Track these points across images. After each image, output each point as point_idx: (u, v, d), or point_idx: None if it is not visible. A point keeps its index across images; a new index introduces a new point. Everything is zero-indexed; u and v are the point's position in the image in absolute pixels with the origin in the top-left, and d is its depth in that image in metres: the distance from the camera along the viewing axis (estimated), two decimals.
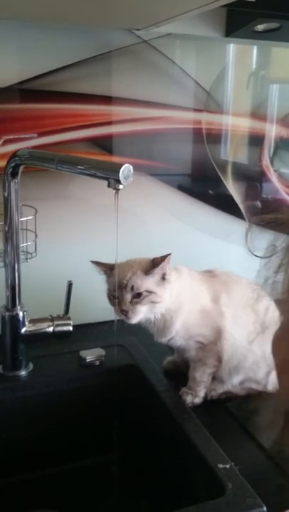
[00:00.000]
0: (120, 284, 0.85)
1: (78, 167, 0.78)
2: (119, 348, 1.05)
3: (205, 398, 0.92)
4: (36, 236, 1.06)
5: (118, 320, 0.86)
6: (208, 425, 0.83)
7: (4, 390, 0.95)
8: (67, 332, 0.96)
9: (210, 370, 0.92)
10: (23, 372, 0.97)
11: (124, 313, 0.84)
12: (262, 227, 1.38)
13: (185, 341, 0.91)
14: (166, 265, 0.86)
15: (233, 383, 0.94)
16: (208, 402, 0.92)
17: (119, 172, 0.70)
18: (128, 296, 0.84)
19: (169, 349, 1.01)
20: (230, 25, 1.14)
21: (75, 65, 1.10)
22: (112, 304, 0.87)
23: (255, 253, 1.30)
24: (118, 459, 0.98)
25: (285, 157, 1.39)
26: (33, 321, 0.96)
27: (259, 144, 1.34)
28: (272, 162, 1.36)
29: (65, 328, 0.96)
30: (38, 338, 0.96)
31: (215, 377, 0.94)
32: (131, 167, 0.71)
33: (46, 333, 0.96)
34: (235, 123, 1.29)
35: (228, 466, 0.73)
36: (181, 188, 1.28)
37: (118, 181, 0.70)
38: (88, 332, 1.15)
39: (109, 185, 0.72)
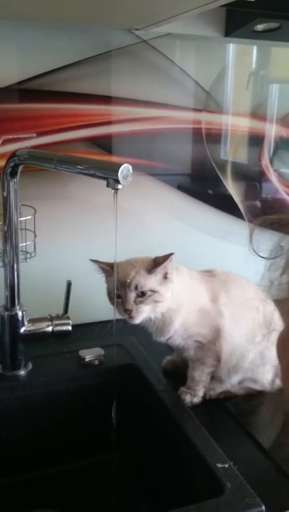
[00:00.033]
0: (123, 283, 0.84)
1: (77, 167, 0.78)
2: (119, 348, 1.05)
3: (204, 398, 0.92)
4: (35, 236, 1.06)
5: (117, 319, 0.86)
6: (207, 425, 0.83)
7: (3, 389, 0.95)
8: (67, 332, 0.96)
9: (209, 370, 0.92)
10: (22, 372, 0.98)
11: (128, 312, 0.84)
12: (265, 228, 1.39)
13: (184, 340, 0.91)
14: (168, 264, 0.86)
15: (232, 383, 0.95)
16: (207, 402, 0.92)
17: (118, 172, 0.70)
18: (132, 295, 0.84)
19: (168, 349, 1.01)
20: (230, 25, 1.14)
21: (75, 64, 1.10)
22: (114, 303, 0.87)
23: (261, 254, 1.31)
24: (117, 459, 0.98)
25: (285, 157, 1.39)
26: (32, 321, 0.96)
27: (259, 144, 1.34)
28: (271, 162, 1.37)
29: (64, 328, 0.96)
30: (37, 338, 0.96)
31: (214, 377, 0.94)
32: (130, 167, 0.71)
33: (45, 333, 0.96)
34: (235, 123, 1.29)
35: (227, 466, 0.74)
36: (181, 187, 1.28)
37: (117, 181, 0.71)
38: (87, 332, 1.15)
39: (108, 185, 0.72)
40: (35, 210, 1.05)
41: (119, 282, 0.84)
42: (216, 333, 0.91)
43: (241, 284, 0.98)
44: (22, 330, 0.95)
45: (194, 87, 1.22)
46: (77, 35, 1.08)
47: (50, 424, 0.99)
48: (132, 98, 1.17)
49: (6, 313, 0.94)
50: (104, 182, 0.73)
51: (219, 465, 0.74)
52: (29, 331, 0.95)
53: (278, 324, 0.95)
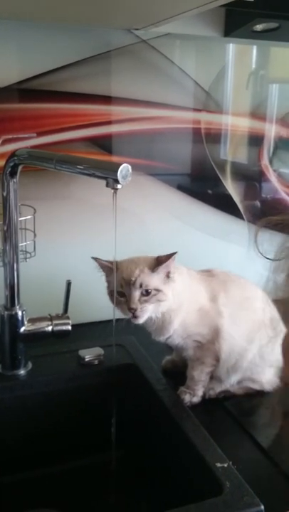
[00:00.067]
0: (128, 281, 0.83)
1: (77, 167, 0.78)
2: (118, 348, 1.05)
3: (203, 397, 0.92)
4: (35, 235, 1.06)
5: (117, 319, 0.86)
6: (206, 424, 0.83)
7: (3, 389, 0.95)
8: (66, 331, 0.96)
9: (208, 369, 0.92)
10: (22, 372, 0.98)
11: (133, 311, 0.83)
12: (269, 229, 1.39)
13: (183, 340, 0.91)
14: (171, 263, 0.86)
15: (231, 382, 0.95)
16: (206, 401, 0.92)
17: (117, 172, 0.70)
18: (137, 294, 0.83)
19: (168, 348, 1.01)
20: (229, 25, 1.14)
21: (74, 64, 1.10)
22: (116, 302, 0.86)
23: (267, 256, 1.31)
24: (117, 458, 0.98)
25: (284, 157, 1.39)
26: (31, 321, 0.96)
27: (258, 144, 1.34)
28: (271, 162, 1.37)
29: (64, 328, 0.96)
30: (36, 338, 0.96)
31: (213, 377, 0.94)
32: (129, 167, 0.71)
33: (45, 333, 0.96)
34: (235, 123, 1.30)
35: (226, 465, 0.74)
36: (180, 187, 1.28)
37: (116, 181, 0.71)
38: (87, 331, 1.15)
39: (107, 185, 0.72)
40: (34, 209, 1.05)
41: (124, 280, 0.84)
42: (215, 333, 0.91)
43: (240, 283, 0.98)
44: (22, 329, 0.95)
45: (194, 87, 1.22)
46: (77, 35, 1.09)
47: (50, 424, 0.99)
48: (131, 98, 1.17)
49: (6, 312, 0.94)
50: (104, 182, 0.73)
51: (218, 464, 0.74)
52: (29, 330, 0.96)
53: (283, 325, 0.96)
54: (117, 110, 1.16)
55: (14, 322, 0.95)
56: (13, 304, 0.95)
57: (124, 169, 0.70)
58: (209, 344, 0.91)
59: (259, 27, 1.10)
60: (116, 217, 0.76)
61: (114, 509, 0.93)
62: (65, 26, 1.07)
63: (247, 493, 0.68)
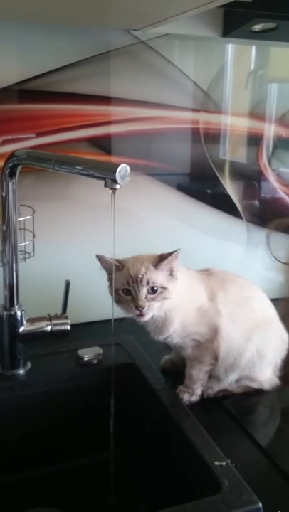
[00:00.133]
0: (135, 279, 0.83)
1: (75, 167, 0.78)
2: (117, 347, 1.05)
3: (202, 396, 0.93)
4: (34, 236, 1.06)
5: (116, 319, 0.86)
6: (204, 423, 0.84)
7: (2, 389, 0.95)
8: (65, 331, 0.97)
9: (206, 368, 0.92)
10: (21, 371, 0.98)
11: (140, 309, 0.83)
12: (280, 232, 1.40)
13: (182, 339, 0.91)
14: (174, 260, 0.86)
15: (230, 381, 0.95)
16: (204, 400, 0.92)
17: (115, 172, 0.70)
18: (144, 292, 0.83)
19: (167, 348, 1.01)
20: (227, 26, 1.14)
21: (73, 65, 1.10)
22: (120, 300, 0.86)
23: (282, 260, 1.32)
24: (116, 457, 0.98)
25: (283, 156, 1.39)
26: (30, 320, 0.97)
27: (257, 144, 1.34)
28: (270, 161, 1.37)
29: (63, 327, 0.97)
30: (35, 337, 0.97)
31: (211, 375, 0.94)
32: (128, 167, 0.71)
33: (44, 332, 0.96)
34: (233, 122, 1.30)
35: (224, 464, 0.74)
36: (179, 187, 1.29)
37: (115, 181, 0.71)
38: (86, 331, 1.15)
39: (106, 185, 0.72)
40: (33, 210, 1.06)
41: (131, 278, 0.84)
42: (214, 332, 0.91)
43: (239, 282, 0.99)
44: (21, 329, 0.96)
45: (192, 87, 1.22)
46: (76, 36, 1.09)
47: (49, 423, 1.00)
48: (130, 98, 1.17)
49: (5, 312, 0.95)
50: (103, 182, 0.73)
51: (217, 463, 0.74)
52: (28, 330, 0.96)
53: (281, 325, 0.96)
54: (115, 110, 1.17)
55: (13, 322, 0.95)
56: (12, 304, 0.95)
57: (123, 169, 0.71)
58: (208, 343, 0.91)
59: (257, 27, 1.10)
60: (114, 217, 0.76)
61: (114, 508, 0.94)
62: (64, 27, 1.07)
63: (245, 491, 0.69)
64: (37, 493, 0.95)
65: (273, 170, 1.39)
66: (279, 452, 0.80)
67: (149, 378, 0.97)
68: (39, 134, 1.11)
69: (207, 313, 0.91)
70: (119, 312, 0.87)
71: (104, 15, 0.98)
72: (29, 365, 1.00)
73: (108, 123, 1.16)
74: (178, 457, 0.85)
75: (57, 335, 0.97)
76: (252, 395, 0.95)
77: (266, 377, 0.96)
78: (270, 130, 1.35)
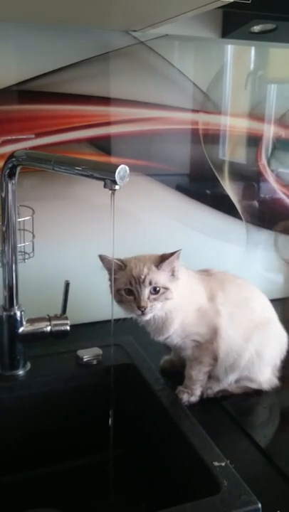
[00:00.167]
0: (138, 279, 0.83)
1: (75, 168, 0.78)
2: (116, 348, 1.06)
3: (201, 397, 0.93)
4: (34, 236, 1.06)
5: (116, 319, 0.86)
6: (204, 423, 0.84)
7: (2, 389, 0.95)
8: (65, 332, 0.97)
9: (206, 369, 0.92)
10: (20, 372, 0.98)
11: (143, 309, 0.83)
12: (286, 234, 1.40)
13: (181, 340, 0.91)
14: (175, 260, 0.86)
15: (229, 381, 0.95)
16: (204, 401, 0.92)
17: (115, 173, 0.70)
18: (146, 292, 0.83)
19: (166, 348, 1.01)
20: (227, 27, 1.14)
21: (73, 66, 1.10)
22: (122, 300, 0.86)
23: None
24: (115, 458, 0.98)
25: (282, 157, 1.39)
26: (30, 321, 0.97)
27: (256, 144, 1.35)
28: (269, 162, 1.37)
29: (63, 328, 0.97)
30: (35, 338, 0.97)
31: (211, 376, 0.94)
32: (127, 168, 0.71)
33: (44, 333, 0.96)
34: (233, 123, 1.30)
35: (223, 464, 0.74)
36: (179, 188, 1.29)
37: (114, 182, 0.71)
38: (85, 331, 1.15)
39: (105, 186, 0.73)
40: (33, 210, 1.06)
41: (133, 278, 0.84)
42: (214, 333, 0.91)
43: (238, 283, 0.99)
44: (20, 330, 0.96)
45: (192, 88, 1.22)
46: (75, 37, 1.09)
47: (49, 424, 1.00)
48: (130, 99, 1.17)
49: (5, 313, 0.95)
50: (102, 183, 0.73)
51: (216, 463, 0.74)
52: (27, 331, 0.96)
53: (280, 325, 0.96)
54: (115, 111, 1.17)
55: (13, 322, 0.95)
56: (11, 305, 0.95)
57: (122, 170, 0.71)
58: (207, 344, 0.91)
59: (256, 28, 1.11)
60: (114, 217, 0.76)
61: (114, 508, 0.94)
62: (63, 28, 1.07)
63: (244, 492, 0.69)
64: (37, 493, 0.95)
65: (272, 170, 1.39)
66: (278, 453, 0.80)
67: (149, 379, 0.97)
68: (39, 135, 1.11)
69: (207, 314, 0.91)
70: (118, 313, 0.87)
71: (103, 15, 0.98)
72: (29, 365, 1.00)
73: (108, 124, 1.17)
74: (177, 457, 0.86)
75: (56, 335, 0.97)
76: (251, 396, 0.95)
77: (265, 377, 0.96)
78: (270, 131, 1.35)
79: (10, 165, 0.87)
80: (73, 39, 1.09)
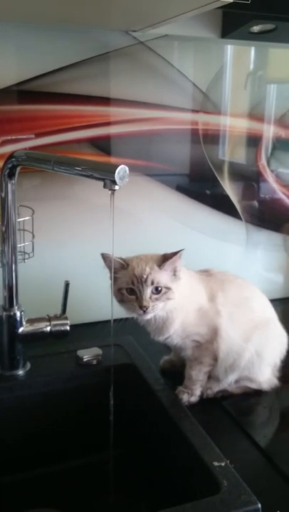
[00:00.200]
0: (140, 279, 0.83)
1: (74, 168, 0.78)
2: (116, 348, 1.06)
3: (201, 397, 0.93)
4: (33, 236, 1.06)
5: (115, 319, 0.86)
6: (204, 423, 0.84)
7: (2, 389, 0.95)
8: (65, 332, 0.97)
9: (206, 369, 0.92)
10: (20, 372, 0.98)
11: (145, 309, 0.83)
12: None
13: (182, 340, 0.91)
14: (177, 260, 0.86)
15: (229, 381, 0.95)
16: (204, 401, 0.92)
17: (114, 173, 0.70)
18: (148, 292, 0.83)
19: (166, 348, 1.01)
20: (226, 27, 1.14)
21: (73, 66, 1.10)
22: (124, 299, 0.86)
23: None
24: (115, 458, 0.98)
25: (282, 157, 1.39)
26: (30, 321, 0.97)
27: (256, 144, 1.35)
28: (269, 162, 1.37)
29: (63, 328, 0.97)
30: (35, 338, 0.97)
31: (211, 376, 0.94)
32: (127, 168, 0.71)
33: (43, 333, 0.96)
34: (233, 123, 1.30)
35: (223, 464, 0.74)
36: (179, 188, 1.29)
37: (114, 182, 0.71)
38: (85, 332, 1.15)
39: (105, 186, 0.73)
40: (33, 210, 1.06)
41: (136, 278, 0.84)
42: (214, 333, 0.91)
43: (238, 283, 0.99)
44: (20, 330, 0.96)
45: (191, 88, 1.22)
46: (75, 37, 1.09)
47: (49, 424, 1.00)
48: (129, 99, 1.17)
49: (5, 313, 0.95)
50: (102, 183, 0.73)
51: (216, 463, 0.74)
52: (27, 331, 0.96)
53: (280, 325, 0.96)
54: (115, 111, 1.17)
55: (13, 323, 0.95)
56: (11, 305, 0.96)
57: (122, 170, 0.71)
58: (208, 344, 0.91)
59: (256, 28, 1.11)
60: (113, 218, 0.76)
61: (114, 508, 0.94)
62: (63, 28, 1.07)
63: (244, 492, 0.69)
64: (37, 493, 0.95)
65: (272, 171, 1.39)
66: (278, 453, 0.80)
67: (149, 379, 0.97)
68: (38, 135, 1.11)
69: (207, 314, 0.91)
70: (118, 313, 0.87)
71: (103, 16, 0.98)
72: (29, 365, 1.00)
73: (107, 124, 1.17)
74: (177, 458, 0.86)
75: (56, 335, 0.97)
76: (251, 396, 0.95)
77: (265, 377, 0.96)
78: (269, 131, 1.35)
79: (10, 165, 0.87)
80: (73, 39, 1.09)
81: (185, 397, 0.91)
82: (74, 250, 1.18)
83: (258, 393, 0.96)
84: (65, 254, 1.18)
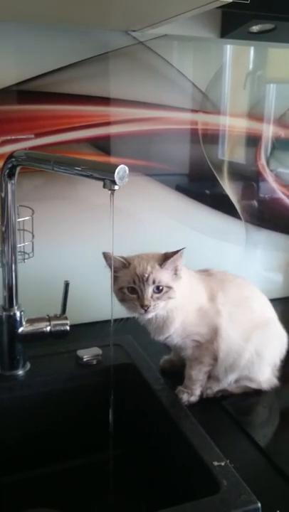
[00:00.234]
0: (141, 278, 0.83)
1: (74, 168, 0.78)
2: (116, 347, 1.06)
3: (201, 396, 0.93)
4: (33, 236, 1.06)
5: (115, 319, 0.86)
6: (203, 423, 0.84)
7: (2, 389, 0.95)
8: (65, 332, 0.97)
9: (206, 369, 0.92)
10: (20, 372, 0.98)
11: (146, 308, 0.83)
12: None
13: (182, 340, 0.91)
14: (178, 258, 0.86)
15: (229, 381, 0.95)
16: (204, 401, 0.93)
17: (114, 173, 0.70)
18: (150, 291, 0.83)
19: (166, 348, 1.01)
20: (226, 27, 1.14)
21: (73, 66, 1.10)
22: (125, 298, 0.86)
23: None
24: (115, 458, 0.99)
25: (282, 157, 1.39)
26: (30, 321, 0.97)
27: (255, 144, 1.35)
28: (268, 162, 1.37)
29: (62, 328, 0.97)
30: (35, 338, 0.97)
31: (211, 376, 0.94)
32: (126, 168, 0.71)
33: (43, 333, 0.96)
34: (232, 123, 1.30)
35: (223, 464, 0.74)
36: (178, 188, 1.29)
37: (113, 182, 0.71)
38: (85, 331, 1.16)
39: (104, 186, 0.73)
40: (33, 210, 1.06)
41: (137, 277, 0.84)
42: (214, 333, 0.91)
43: (238, 283, 0.99)
44: (20, 330, 0.96)
45: (191, 88, 1.22)
46: (75, 37, 1.09)
47: (49, 424, 1.00)
48: (129, 99, 1.17)
49: (4, 313, 0.95)
50: (102, 183, 0.73)
51: (215, 463, 0.74)
52: (27, 331, 0.96)
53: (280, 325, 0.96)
54: (114, 111, 1.17)
55: (12, 323, 0.95)
56: (11, 305, 0.96)
57: (121, 170, 0.71)
58: (208, 344, 0.91)
59: (255, 28, 1.11)
60: (113, 218, 0.77)
61: (113, 508, 0.94)
62: (63, 28, 1.07)
63: (244, 492, 0.69)
64: (37, 493, 0.95)
65: (272, 170, 1.39)
66: (278, 452, 0.80)
67: (149, 378, 0.97)
68: (38, 135, 1.11)
69: (207, 314, 0.91)
70: (118, 313, 0.87)
71: (103, 16, 0.98)
72: (28, 365, 1.00)
73: (107, 124, 1.17)
74: (177, 457, 0.86)
75: (56, 335, 0.97)
76: (251, 396, 0.95)
77: (265, 377, 0.96)
78: (269, 131, 1.35)
79: (9, 165, 0.87)
80: (73, 39, 1.09)
81: (185, 397, 0.91)
82: (74, 250, 1.18)
83: (258, 393, 0.96)
84: (65, 254, 1.18)
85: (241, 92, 1.29)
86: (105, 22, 1.06)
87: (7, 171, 0.88)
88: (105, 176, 0.72)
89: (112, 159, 1.18)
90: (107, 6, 0.88)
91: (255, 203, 1.39)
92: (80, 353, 1.02)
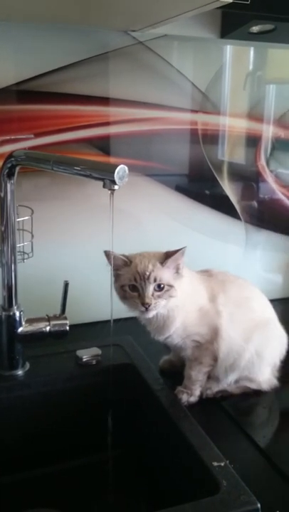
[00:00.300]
0: (142, 276, 0.83)
1: (74, 168, 0.78)
2: (116, 348, 1.06)
3: (200, 397, 0.93)
4: (33, 236, 1.06)
5: (115, 319, 0.86)
6: (203, 424, 0.84)
7: (1, 389, 0.95)
8: (64, 332, 0.97)
9: (206, 369, 0.92)
10: (19, 372, 0.98)
11: (147, 306, 0.83)
12: None
13: (182, 340, 0.91)
14: (180, 257, 0.86)
15: (229, 382, 0.95)
16: (203, 401, 0.92)
17: (114, 173, 0.70)
18: (151, 289, 0.83)
19: (166, 348, 1.01)
20: (226, 27, 1.14)
21: (72, 66, 1.10)
22: (126, 296, 0.86)
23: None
24: (115, 458, 0.98)
25: (281, 157, 1.39)
26: (29, 321, 0.97)
27: (255, 145, 1.35)
28: (268, 162, 1.37)
29: (62, 328, 0.97)
30: (34, 338, 0.97)
31: (210, 376, 0.94)
32: (126, 168, 0.71)
33: (43, 333, 0.96)
34: (232, 123, 1.30)
35: (222, 464, 0.74)
36: (178, 188, 1.29)
37: (113, 182, 0.71)
38: (85, 332, 1.15)
39: (104, 186, 0.73)
40: (32, 210, 1.06)
41: (138, 275, 0.84)
42: (214, 333, 0.91)
43: (239, 283, 0.99)
44: (19, 330, 0.96)
45: (191, 88, 1.22)
46: (75, 37, 1.09)
47: (48, 424, 1.00)
48: (129, 99, 1.17)
49: (4, 313, 0.95)
50: (101, 183, 0.73)
51: (215, 463, 0.74)
52: (27, 331, 0.96)
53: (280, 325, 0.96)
54: (114, 111, 1.17)
55: (12, 322, 0.95)
56: (10, 305, 0.95)
57: (121, 170, 0.71)
58: (208, 344, 0.91)
59: (255, 29, 1.11)
60: (113, 218, 0.76)
61: (113, 508, 0.94)
62: (62, 28, 1.07)
63: (244, 492, 0.69)
64: (36, 493, 0.95)
65: (271, 171, 1.39)
66: (277, 453, 0.80)
67: (148, 379, 0.97)
68: (38, 135, 1.11)
69: (208, 314, 0.91)
70: (118, 313, 0.87)
71: (103, 16, 0.98)
72: (28, 365, 1.00)
73: (107, 124, 1.17)
74: (176, 458, 0.86)
75: (56, 335, 0.97)
76: (251, 396, 0.95)
77: (265, 377, 0.96)
78: (269, 131, 1.36)
79: (9, 165, 0.87)
80: (73, 39, 1.09)
81: (184, 397, 0.91)
82: (73, 250, 1.18)
83: (258, 393, 0.95)
84: (65, 254, 1.18)
85: (241, 93, 1.30)
86: (106, 22, 1.06)
87: (6, 170, 0.88)
88: (105, 175, 0.72)
89: (112, 159, 1.18)
90: (107, 6, 0.88)
91: (255, 203, 1.39)
92: (79, 353, 1.02)
